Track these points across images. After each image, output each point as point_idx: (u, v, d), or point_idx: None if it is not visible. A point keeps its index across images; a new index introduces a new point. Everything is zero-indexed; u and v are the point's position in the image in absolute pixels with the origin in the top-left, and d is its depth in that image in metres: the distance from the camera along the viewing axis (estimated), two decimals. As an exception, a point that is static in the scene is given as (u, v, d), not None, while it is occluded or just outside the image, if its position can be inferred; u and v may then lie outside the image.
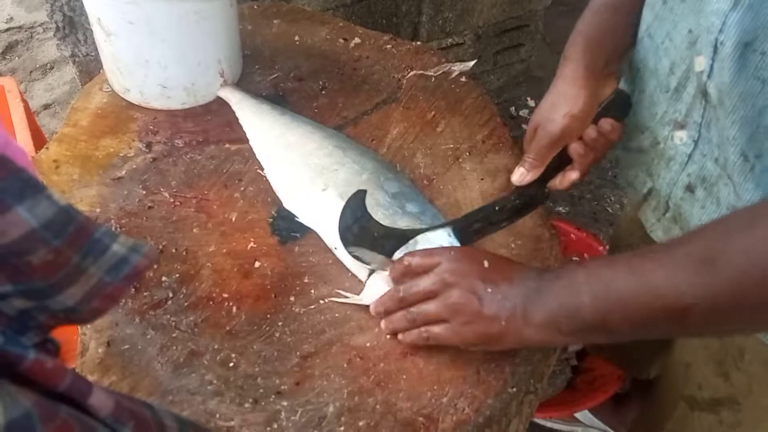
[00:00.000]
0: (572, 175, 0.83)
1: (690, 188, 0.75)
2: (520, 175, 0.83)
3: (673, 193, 0.78)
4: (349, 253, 0.77)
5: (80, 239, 0.31)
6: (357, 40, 1.20)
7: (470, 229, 0.81)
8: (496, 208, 0.83)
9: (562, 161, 0.83)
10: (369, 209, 0.79)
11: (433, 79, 1.11)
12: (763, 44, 0.58)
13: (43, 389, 0.30)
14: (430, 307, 0.68)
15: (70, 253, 0.30)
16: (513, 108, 2.31)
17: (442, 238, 0.77)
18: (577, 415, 1.47)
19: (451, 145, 1.01)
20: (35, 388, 0.30)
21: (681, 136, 0.73)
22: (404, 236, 0.77)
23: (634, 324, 0.55)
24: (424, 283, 0.68)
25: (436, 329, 0.69)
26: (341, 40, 1.20)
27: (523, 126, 2.16)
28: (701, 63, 0.66)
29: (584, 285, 0.58)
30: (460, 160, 0.98)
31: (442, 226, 0.79)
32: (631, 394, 1.44)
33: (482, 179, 0.95)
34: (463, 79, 1.12)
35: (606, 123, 0.80)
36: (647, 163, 0.82)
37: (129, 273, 0.33)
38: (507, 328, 0.63)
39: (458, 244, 0.77)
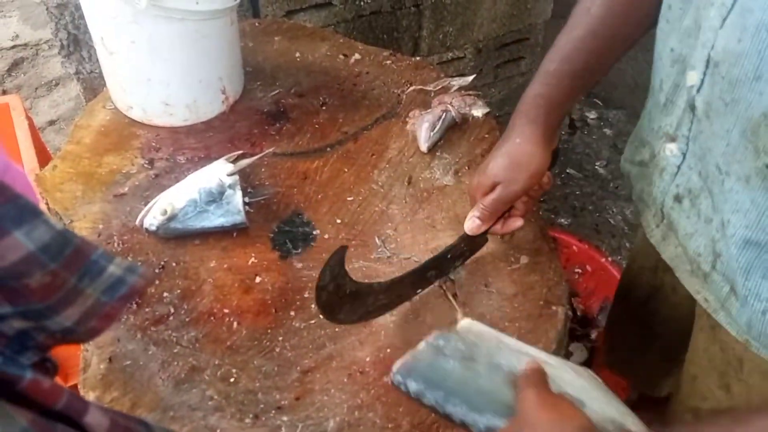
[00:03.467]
0: (517, 222, 0.85)
1: (678, 198, 0.78)
2: (476, 227, 0.83)
3: (665, 202, 0.81)
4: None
5: (77, 261, 0.31)
6: (357, 56, 1.21)
7: (426, 275, 0.84)
8: (449, 256, 0.85)
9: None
10: None
11: (433, 94, 1.12)
12: (728, 69, 0.61)
13: (40, 408, 0.31)
14: None
15: (66, 275, 0.31)
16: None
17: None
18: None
19: (451, 160, 1.01)
20: (33, 407, 0.30)
21: (671, 148, 0.76)
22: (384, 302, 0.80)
23: None
24: None
25: None
26: (341, 56, 1.21)
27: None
28: (693, 78, 0.67)
29: None
30: (460, 174, 0.99)
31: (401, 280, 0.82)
32: (636, 407, 1.43)
33: (481, 193, 0.96)
34: (463, 93, 1.13)
35: (545, 176, 0.84)
36: (648, 176, 0.84)
37: (125, 293, 0.34)
38: None
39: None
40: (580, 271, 1.65)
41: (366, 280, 0.83)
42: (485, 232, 0.85)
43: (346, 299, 0.76)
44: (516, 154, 0.81)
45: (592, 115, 2.40)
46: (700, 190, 0.73)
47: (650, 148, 0.82)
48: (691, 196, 0.75)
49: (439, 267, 0.85)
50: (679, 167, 0.76)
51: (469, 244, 0.87)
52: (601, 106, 2.43)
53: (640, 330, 1.12)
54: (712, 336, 0.83)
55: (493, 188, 0.81)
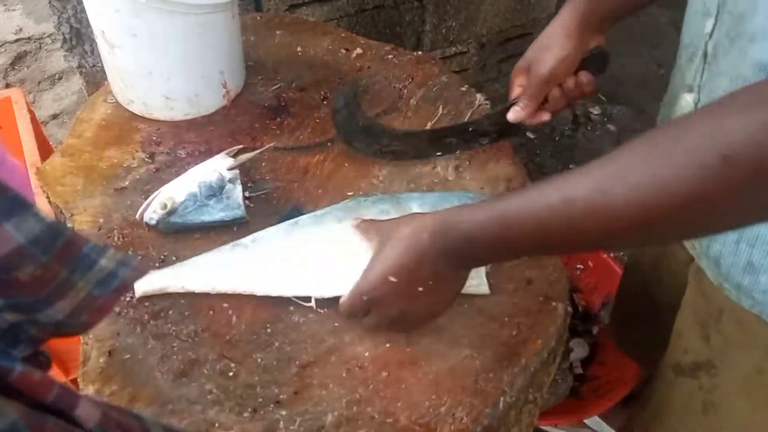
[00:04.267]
0: (544, 116, 0.91)
1: None
2: (516, 114, 0.90)
3: None
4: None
5: (68, 254, 0.31)
6: (359, 50, 1.21)
7: (445, 140, 0.95)
8: (470, 129, 0.93)
9: None
10: None
11: (435, 89, 1.11)
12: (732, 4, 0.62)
13: (31, 401, 0.31)
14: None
15: (58, 268, 0.31)
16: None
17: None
18: (586, 420, 1.46)
19: (451, 155, 1.01)
20: (23, 399, 0.30)
21: (687, 98, 0.77)
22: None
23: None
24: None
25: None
26: (343, 51, 1.21)
27: (528, 134, 2.17)
28: (708, 25, 0.68)
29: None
30: (461, 169, 0.98)
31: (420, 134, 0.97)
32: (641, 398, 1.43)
33: (482, 188, 0.95)
34: (464, 88, 1.13)
35: (584, 75, 0.88)
36: None
37: (117, 286, 0.34)
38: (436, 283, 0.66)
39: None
40: (582, 267, 1.65)
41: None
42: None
43: (359, 130, 0.90)
44: (546, 36, 0.86)
45: (595, 111, 2.39)
46: None
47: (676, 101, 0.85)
48: None
49: (460, 137, 0.93)
50: None
51: (495, 124, 0.93)
52: (605, 102, 2.42)
53: (646, 301, 1.11)
54: (698, 287, 0.83)
55: (527, 70, 0.87)
